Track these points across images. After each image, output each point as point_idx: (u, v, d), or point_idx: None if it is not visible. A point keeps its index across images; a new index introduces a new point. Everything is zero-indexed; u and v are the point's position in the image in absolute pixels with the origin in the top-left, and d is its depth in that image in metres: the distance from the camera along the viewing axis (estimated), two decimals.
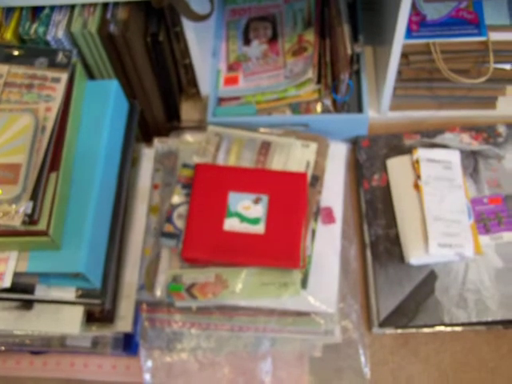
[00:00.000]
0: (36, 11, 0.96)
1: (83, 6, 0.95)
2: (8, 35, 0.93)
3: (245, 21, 1.21)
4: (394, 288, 0.97)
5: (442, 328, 0.97)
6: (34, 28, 0.94)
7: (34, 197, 0.76)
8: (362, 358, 0.96)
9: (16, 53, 0.87)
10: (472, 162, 1.06)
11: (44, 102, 0.83)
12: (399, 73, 1.06)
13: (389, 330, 0.98)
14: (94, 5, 0.95)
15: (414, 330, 0.98)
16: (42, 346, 0.94)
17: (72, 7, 0.95)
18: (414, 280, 0.98)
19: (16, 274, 0.80)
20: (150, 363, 0.96)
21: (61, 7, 0.96)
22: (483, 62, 1.03)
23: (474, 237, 0.98)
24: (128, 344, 0.96)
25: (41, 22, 0.94)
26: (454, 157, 1.04)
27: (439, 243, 0.96)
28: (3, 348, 0.94)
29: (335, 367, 0.96)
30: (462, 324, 0.96)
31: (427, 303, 0.96)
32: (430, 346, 0.97)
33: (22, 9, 0.96)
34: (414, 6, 1.01)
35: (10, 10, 0.96)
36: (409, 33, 1.00)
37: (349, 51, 1.02)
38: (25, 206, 0.75)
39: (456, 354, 0.97)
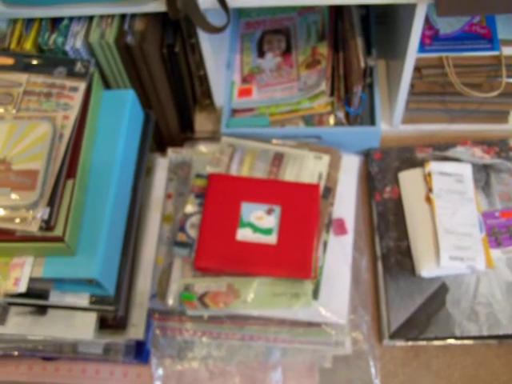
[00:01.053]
0: (55, 22, 0.97)
1: (101, 17, 0.97)
2: (28, 45, 0.95)
3: (259, 33, 1.22)
4: (405, 300, 0.97)
5: (452, 341, 0.97)
6: (52, 38, 0.95)
7: (50, 203, 0.78)
8: (373, 370, 0.96)
9: (35, 62, 0.89)
10: (484, 175, 1.06)
11: (62, 111, 0.85)
12: (412, 86, 1.07)
13: (399, 342, 0.98)
14: (112, 16, 0.97)
15: (424, 343, 0.98)
16: (54, 352, 0.95)
17: (90, 18, 0.97)
18: (424, 292, 0.98)
19: (31, 280, 0.80)
20: (160, 371, 0.97)
21: (79, 18, 0.97)
22: (496, 77, 1.03)
23: (486, 250, 0.98)
24: (139, 352, 0.96)
25: (60, 32, 0.96)
26: (465, 170, 1.05)
27: (451, 256, 0.96)
28: (16, 353, 0.94)
29: (345, 378, 0.96)
30: (473, 337, 0.96)
31: (438, 316, 0.96)
32: (440, 359, 0.97)
33: (41, 20, 0.98)
34: (427, 20, 1.02)
35: (30, 21, 0.98)
36: (422, 47, 1.01)
37: (362, 64, 1.03)
38: (42, 212, 0.76)
39: (467, 367, 0.97)
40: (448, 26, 1.03)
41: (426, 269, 0.97)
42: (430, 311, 0.96)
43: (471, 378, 0.96)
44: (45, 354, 0.96)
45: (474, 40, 1.02)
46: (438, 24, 1.03)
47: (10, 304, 0.86)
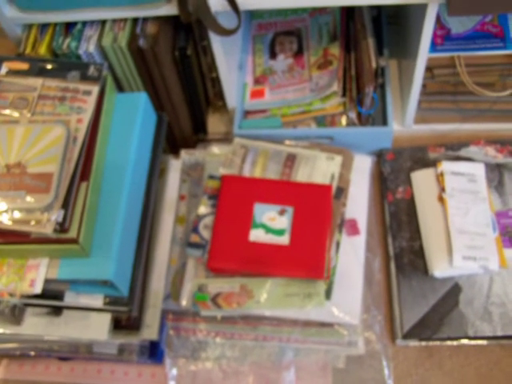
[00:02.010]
0: (69, 27, 0.99)
1: (114, 21, 0.98)
2: (42, 50, 0.97)
3: (271, 35, 1.23)
4: (418, 300, 0.97)
5: (466, 341, 0.97)
6: (66, 43, 0.97)
7: (65, 205, 0.79)
8: (386, 370, 0.96)
9: (49, 66, 0.90)
10: (497, 174, 1.06)
11: (76, 114, 0.86)
12: (424, 86, 1.07)
13: (412, 342, 0.98)
14: (125, 20, 0.98)
15: (438, 343, 0.97)
16: (69, 353, 0.96)
17: (103, 22, 0.99)
18: (437, 292, 0.98)
19: (47, 281, 0.82)
20: (174, 371, 0.97)
21: (92, 23, 0.99)
22: (508, 75, 1.03)
23: (499, 250, 0.97)
24: (153, 352, 0.97)
25: (73, 37, 0.97)
26: (478, 170, 1.04)
27: (464, 256, 0.96)
28: (33, 353, 0.96)
29: (358, 379, 0.96)
30: (487, 337, 0.96)
31: (451, 316, 0.96)
32: (454, 359, 0.97)
33: (55, 25, 1.00)
34: (438, 20, 1.02)
35: (44, 26, 1.00)
36: (433, 46, 1.01)
37: (373, 65, 1.03)
38: (56, 215, 0.78)
39: (481, 367, 0.96)
40: (460, 25, 1.02)
41: (439, 269, 0.97)
42: (443, 311, 0.96)
43: (485, 378, 0.96)
44: (61, 354, 0.97)
45: (486, 39, 1.02)
46: (450, 23, 1.02)
47: (26, 305, 0.87)
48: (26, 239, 0.79)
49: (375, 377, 0.96)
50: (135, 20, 0.98)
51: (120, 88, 1.05)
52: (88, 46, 0.96)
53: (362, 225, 1.02)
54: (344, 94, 1.10)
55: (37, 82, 0.89)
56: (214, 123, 1.22)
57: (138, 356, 0.95)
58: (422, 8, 0.91)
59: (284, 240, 0.96)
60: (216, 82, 1.13)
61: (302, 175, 1.03)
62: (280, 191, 1.00)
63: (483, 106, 1.10)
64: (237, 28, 0.96)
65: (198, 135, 1.20)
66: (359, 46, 1.10)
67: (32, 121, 0.85)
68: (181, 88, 1.09)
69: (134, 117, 0.93)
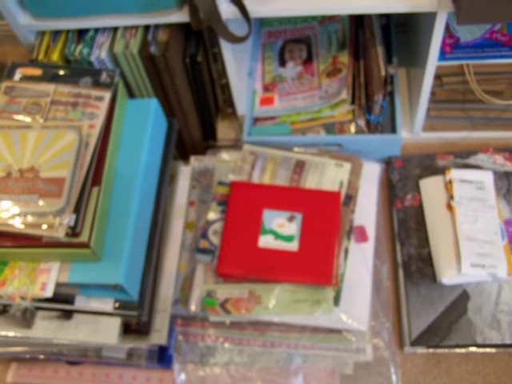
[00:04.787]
0: (81, 34, 1.00)
1: (125, 28, 0.99)
2: (55, 56, 0.98)
3: (281, 43, 1.23)
4: (426, 307, 0.98)
5: (474, 349, 0.97)
6: (79, 49, 0.98)
7: (76, 210, 0.79)
8: (394, 377, 0.96)
9: (62, 72, 0.91)
10: (505, 183, 1.06)
11: (88, 120, 0.87)
12: (432, 94, 1.07)
13: (420, 350, 0.98)
14: (136, 27, 0.99)
15: (446, 350, 0.97)
16: (78, 357, 0.96)
17: (115, 30, 1.00)
18: (446, 300, 0.98)
19: (58, 285, 0.82)
20: (183, 376, 0.98)
21: (104, 30, 1.00)
22: None
23: (508, 258, 0.97)
24: (162, 357, 0.97)
25: (85, 43, 0.98)
26: (487, 178, 1.05)
27: (472, 263, 0.96)
28: (42, 357, 0.96)
29: None
30: (496, 345, 0.96)
31: (459, 323, 0.96)
32: (462, 367, 0.97)
33: (68, 31, 1.01)
34: (447, 28, 1.02)
35: (57, 33, 1.01)
36: (442, 55, 1.01)
37: (383, 73, 1.03)
38: (68, 219, 0.78)
39: (489, 375, 0.96)
40: (469, 33, 1.03)
41: (447, 276, 0.97)
42: (452, 319, 0.96)
43: None
44: (70, 358, 0.97)
45: (495, 47, 1.02)
46: (459, 32, 1.03)
47: (37, 308, 0.88)
48: (37, 243, 0.80)
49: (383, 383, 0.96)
50: (147, 27, 0.99)
51: (131, 94, 1.06)
52: (100, 53, 0.97)
53: (371, 232, 1.03)
54: (353, 102, 1.10)
55: (49, 87, 0.90)
56: (224, 130, 1.23)
57: (147, 361, 0.96)
58: (432, 16, 0.92)
59: (293, 246, 0.96)
60: (226, 88, 1.14)
61: (310, 182, 1.04)
62: (289, 198, 1.01)
63: (492, 114, 1.10)
64: (247, 35, 0.96)
65: (207, 141, 1.21)
66: (368, 54, 1.11)
67: (45, 126, 0.86)
68: (191, 94, 1.09)
69: (144, 123, 0.94)
